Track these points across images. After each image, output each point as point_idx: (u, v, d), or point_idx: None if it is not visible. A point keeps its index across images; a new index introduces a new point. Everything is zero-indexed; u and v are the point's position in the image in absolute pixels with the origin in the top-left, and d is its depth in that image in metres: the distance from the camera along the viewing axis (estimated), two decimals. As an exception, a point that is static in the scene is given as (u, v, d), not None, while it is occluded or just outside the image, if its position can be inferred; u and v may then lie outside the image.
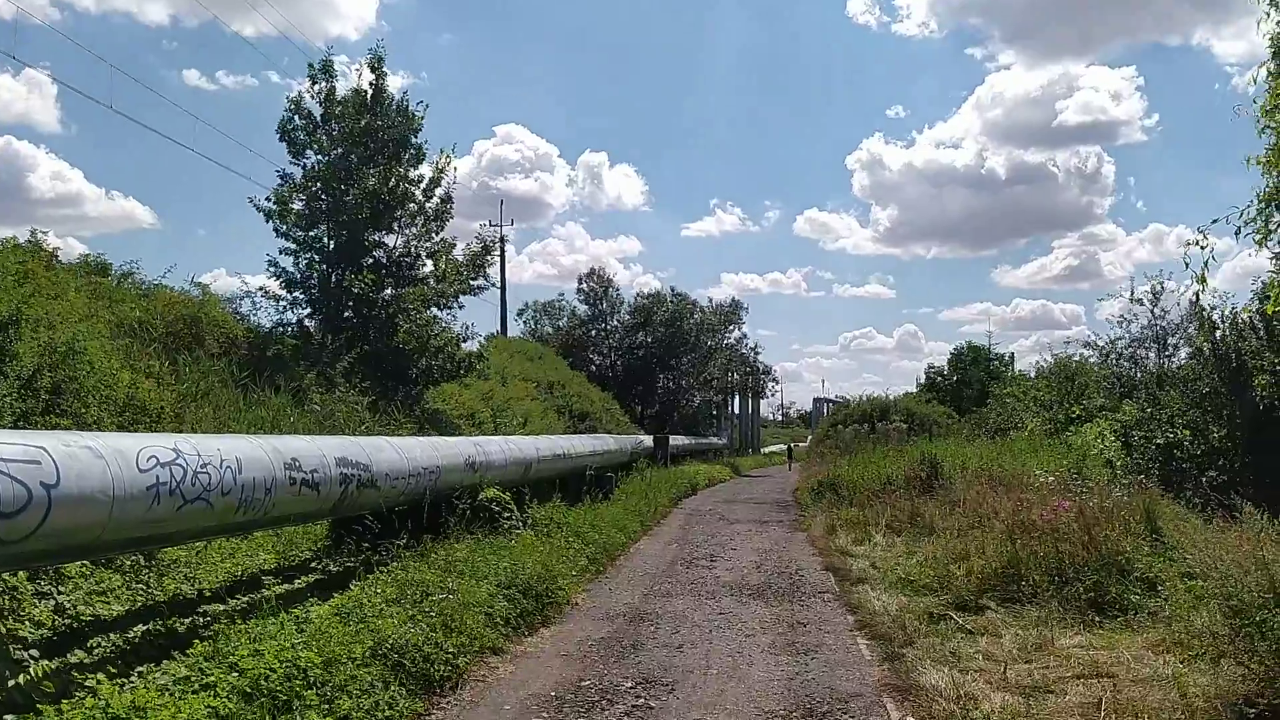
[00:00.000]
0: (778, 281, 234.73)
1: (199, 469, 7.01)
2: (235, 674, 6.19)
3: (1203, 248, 7.09)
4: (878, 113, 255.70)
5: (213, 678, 6.13)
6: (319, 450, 9.08)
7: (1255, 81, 6.76)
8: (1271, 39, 7.14)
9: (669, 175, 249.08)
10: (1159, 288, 26.36)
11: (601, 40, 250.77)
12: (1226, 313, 16.97)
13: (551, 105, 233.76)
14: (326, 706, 6.25)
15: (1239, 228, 6.93)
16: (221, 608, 8.56)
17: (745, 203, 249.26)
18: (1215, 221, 7.04)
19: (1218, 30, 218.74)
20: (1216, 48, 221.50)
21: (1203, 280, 7.23)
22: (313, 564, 11.33)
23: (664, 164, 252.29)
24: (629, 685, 8.12)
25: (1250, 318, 14.90)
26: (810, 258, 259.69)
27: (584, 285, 57.81)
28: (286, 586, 9.97)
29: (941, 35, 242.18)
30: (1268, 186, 6.92)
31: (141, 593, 8.97)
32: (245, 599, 8.82)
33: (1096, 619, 9.55)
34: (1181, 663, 7.65)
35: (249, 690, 6.03)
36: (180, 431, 11.45)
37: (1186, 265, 7.14)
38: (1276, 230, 6.90)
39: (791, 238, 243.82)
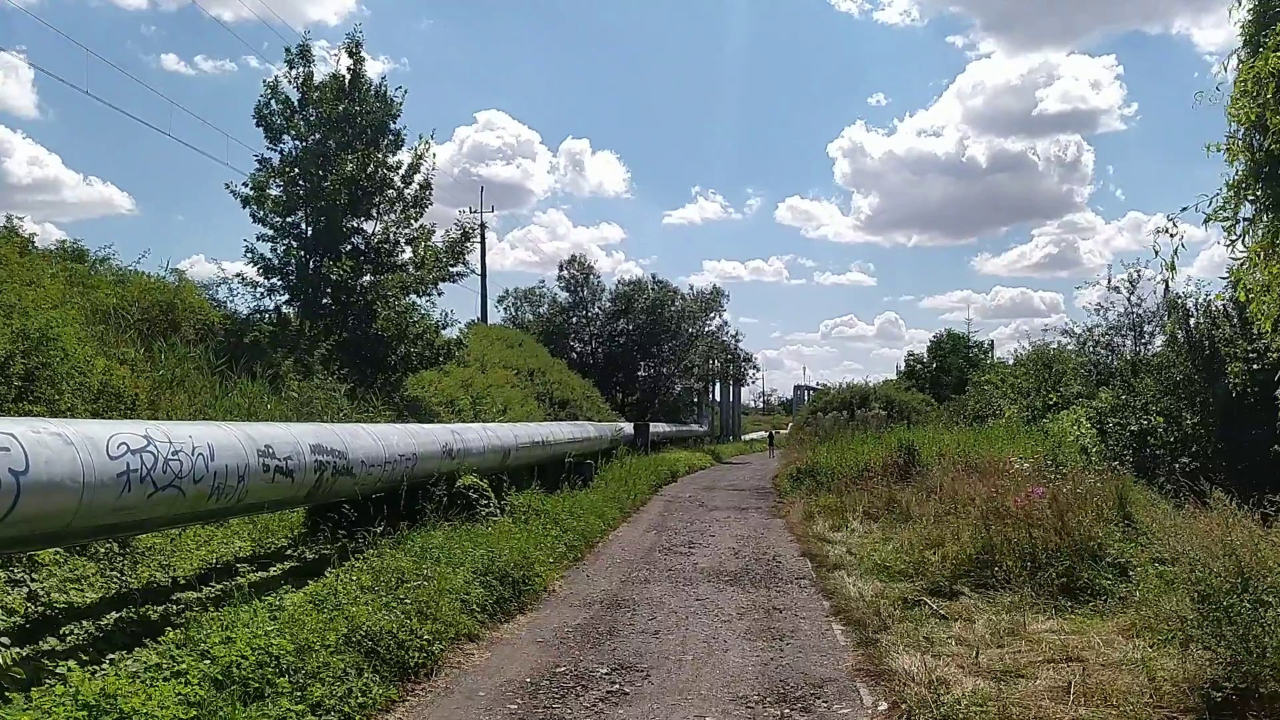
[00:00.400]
0: (759, 269, 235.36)
1: (170, 456, 6.98)
2: (206, 661, 6.19)
3: (1173, 235, 7.14)
4: (859, 100, 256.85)
5: (184, 665, 6.12)
6: (293, 437, 9.05)
7: (1226, 69, 6.80)
8: (1243, 27, 7.18)
9: (651, 162, 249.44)
10: (1136, 276, 26.53)
11: (583, 27, 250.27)
12: (1200, 300, 17.12)
13: (533, 92, 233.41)
14: (299, 694, 6.25)
15: (1207, 216, 6.98)
16: (195, 595, 8.55)
17: (727, 190, 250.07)
18: (1185, 209, 7.10)
19: (1198, 19, 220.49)
20: (1196, 36, 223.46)
21: (1172, 267, 7.29)
22: (288, 551, 11.32)
23: (646, 151, 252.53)
24: (604, 671, 8.15)
25: (1224, 305, 14.99)
26: (792, 245, 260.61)
27: (565, 272, 57.72)
28: (261, 574, 9.97)
29: (923, 23, 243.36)
30: (1236, 174, 6.97)
31: (115, 580, 8.94)
32: (219, 587, 8.79)
33: (1068, 604, 9.63)
34: (1151, 647, 7.72)
35: (220, 678, 6.03)
36: (155, 419, 11.38)
37: (1156, 253, 7.20)
38: (1243, 218, 6.95)
39: (773, 225, 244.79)
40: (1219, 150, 6.80)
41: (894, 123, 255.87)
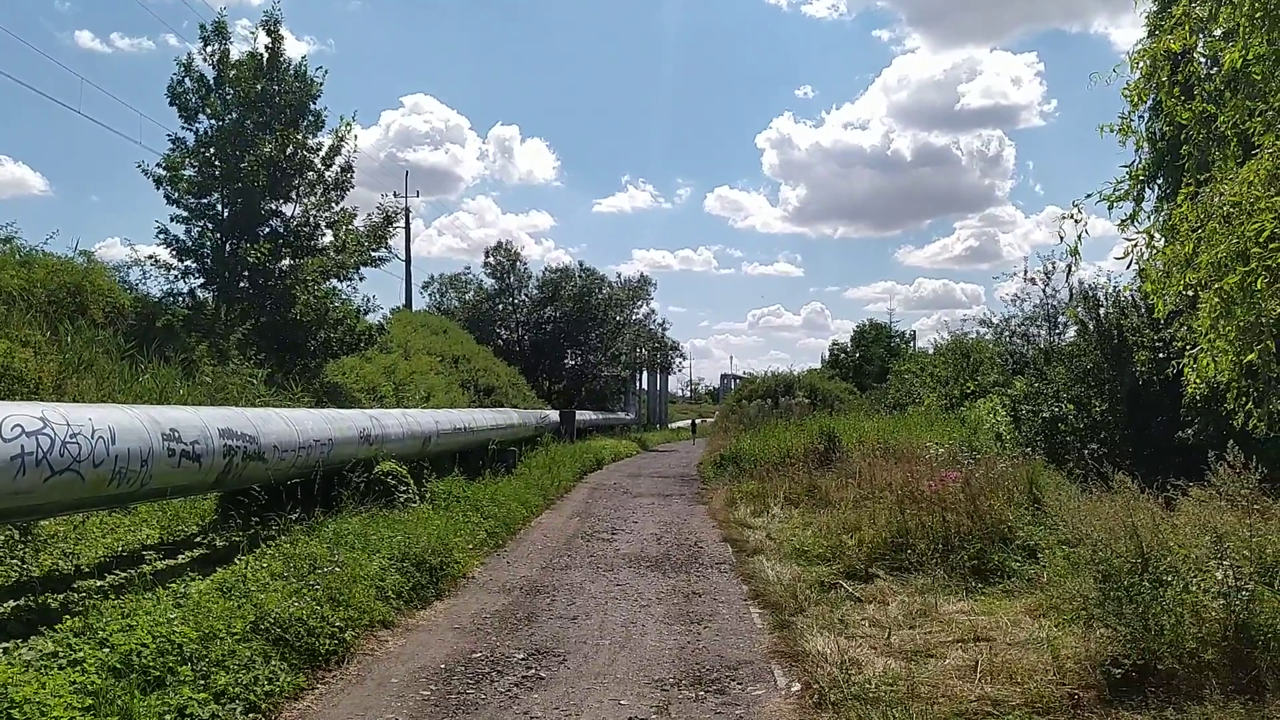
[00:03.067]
0: (689, 259, 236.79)
1: (68, 439, 6.74)
2: (105, 650, 6.01)
3: (1077, 221, 7.30)
4: (787, 92, 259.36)
5: (81, 654, 5.94)
6: (201, 421, 8.80)
7: (1129, 58, 6.98)
8: (1149, 17, 7.36)
9: (581, 150, 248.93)
10: (1051, 268, 27.14)
11: (513, 12, 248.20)
12: (1110, 290, 17.57)
13: (462, 77, 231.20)
14: (201, 682, 6.09)
15: (1110, 203, 7.16)
16: (98, 584, 8.28)
17: (657, 179, 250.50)
18: (1089, 196, 7.27)
19: (1116, 19, 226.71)
20: (1114, 35, 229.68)
21: (1075, 253, 7.46)
22: (198, 539, 11.04)
23: (576, 139, 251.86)
24: (521, 656, 8.11)
25: (1132, 295, 15.39)
26: (720, 235, 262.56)
27: (491, 259, 57.27)
28: (169, 562, 9.71)
29: (850, 17, 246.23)
30: (1140, 162, 7.16)
31: (16, 568, 8.63)
32: (123, 575, 8.55)
33: (979, 585, 9.82)
34: (1055, 626, 7.91)
35: (119, 666, 5.85)
36: (61, 403, 11.01)
37: (1061, 239, 7.35)
38: (1142, 204, 7.14)
39: (702, 215, 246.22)
40: (1112, 131, 6.97)
41: (821, 115, 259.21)
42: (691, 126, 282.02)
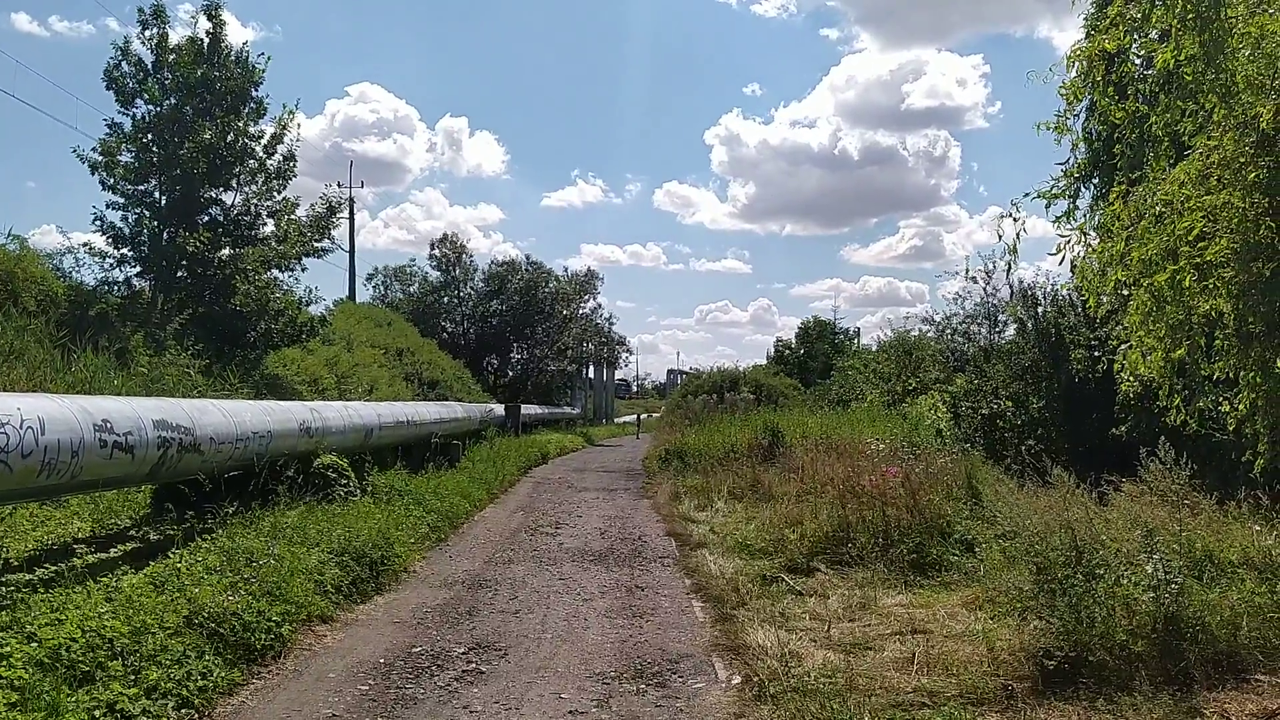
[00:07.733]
0: (638, 254, 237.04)
1: (-5, 429, 6.55)
2: (33, 644, 5.85)
3: (1015, 220, 7.44)
4: (736, 90, 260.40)
5: (8, 648, 5.77)
6: (134, 411, 8.61)
7: (1066, 57, 7.11)
8: (1086, 19, 7.50)
9: (530, 144, 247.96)
10: (991, 267, 27.59)
11: (462, 3, 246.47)
12: (1048, 290, 17.93)
13: (411, 66, 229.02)
14: (132, 677, 5.96)
15: (1048, 201, 7.29)
16: (26, 577, 8.07)
17: (607, 174, 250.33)
18: (1027, 195, 7.40)
19: (1059, 22, 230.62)
20: (1058, 40, 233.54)
21: (1014, 251, 7.60)
22: (131, 532, 10.79)
23: (525, 132, 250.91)
24: (461, 651, 8.06)
25: (1069, 294, 15.70)
26: (669, 231, 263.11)
27: (436, 251, 56.71)
28: (100, 555, 9.47)
29: (799, 16, 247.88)
30: (1076, 160, 7.31)
31: (-61, 563, 8.37)
32: (53, 568, 8.33)
33: (918, 579, 9.96)
34: (991, 618, 8.05)
35: (46, 660, 5.71)
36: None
37: (1000, 237, 7.50)
38: (1083, 205, 7.30)
39: (652, 211, 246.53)
40: (1049, 129, 7.11)
41: (770, 113, 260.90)
42: (641, 121, 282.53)
